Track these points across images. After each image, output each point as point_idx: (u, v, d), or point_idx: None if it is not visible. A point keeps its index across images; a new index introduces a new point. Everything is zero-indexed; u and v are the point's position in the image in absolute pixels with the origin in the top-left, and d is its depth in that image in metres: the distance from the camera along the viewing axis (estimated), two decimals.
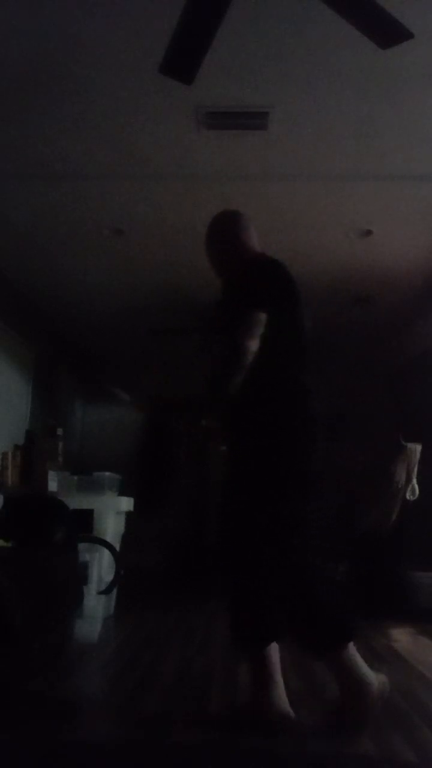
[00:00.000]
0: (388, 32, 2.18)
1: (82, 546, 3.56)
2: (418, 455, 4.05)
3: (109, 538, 3.81)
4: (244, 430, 2.09)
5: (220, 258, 2.32)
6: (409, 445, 4.06)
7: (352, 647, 1.97)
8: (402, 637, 3.46)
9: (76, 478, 4.28)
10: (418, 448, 4.07)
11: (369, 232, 4.18)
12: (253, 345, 1.97)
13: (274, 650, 1.97)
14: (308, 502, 2.09)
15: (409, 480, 4.02)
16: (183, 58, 2.32)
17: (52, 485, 4.26)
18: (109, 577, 3.76)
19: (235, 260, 2.24)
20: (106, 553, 3.74)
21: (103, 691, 2.44)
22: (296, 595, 1.98)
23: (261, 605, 1.97)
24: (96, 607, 3.67)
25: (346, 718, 1.94)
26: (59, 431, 5.20)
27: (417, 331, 5.49)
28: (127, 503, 4.34)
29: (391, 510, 4.04)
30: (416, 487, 4.00)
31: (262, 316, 2.00)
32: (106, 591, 3.73)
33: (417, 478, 4.01)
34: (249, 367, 1.97)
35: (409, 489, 4.00)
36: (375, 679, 1.96)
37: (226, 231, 2.32)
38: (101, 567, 3.77)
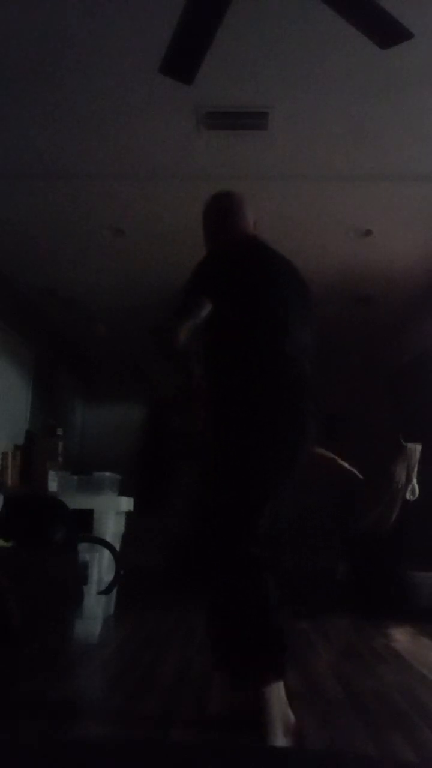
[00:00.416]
0: (388, 32, 2.18)
1: (82, 546, 3.57)
2: (418, 455, 4.04)
3: (109, 538, 3.81)
4: (218, 424, 1.99)
5: (206, 240, 2.27)
6: (409, 445, 4.05)
7: (283, 703, 1.74)
8: (402, 637, 3.46)
9: (76, 478, 4.29)
10: (418, 448, 4.05)
11: (369, 232, 4.18)
12: (182, 334, 1.82)
13: None
14: (271, 504, 1.91)
15: (409, 480, 4.01)
16: (183, 58, 2.32)
17: (52, 485, 4.27)
18: (109, 577, 3.77)
19: (218, 243, 2.19)
20: (106, 553, 3.75)
21: (103, 691, 2.44)
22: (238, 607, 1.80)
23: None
24: (96, 607, 3.67)
25: None
26: (59, 431, 5.21)
27: (417, 331, 5.49)
28: (127, 503, 4.34)
29: (391, 510, 4.03)
30: (416, 487, 3.99)
31: (203, 303, 1.87)
32: (106, 591, 3.73)
33: (417, 478, 4.00)
34: (184, 355, 1.88)
35: (409, 489, 3.99)
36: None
37: (213, 214, 2.28)
38: (101, 567, 3.77)
